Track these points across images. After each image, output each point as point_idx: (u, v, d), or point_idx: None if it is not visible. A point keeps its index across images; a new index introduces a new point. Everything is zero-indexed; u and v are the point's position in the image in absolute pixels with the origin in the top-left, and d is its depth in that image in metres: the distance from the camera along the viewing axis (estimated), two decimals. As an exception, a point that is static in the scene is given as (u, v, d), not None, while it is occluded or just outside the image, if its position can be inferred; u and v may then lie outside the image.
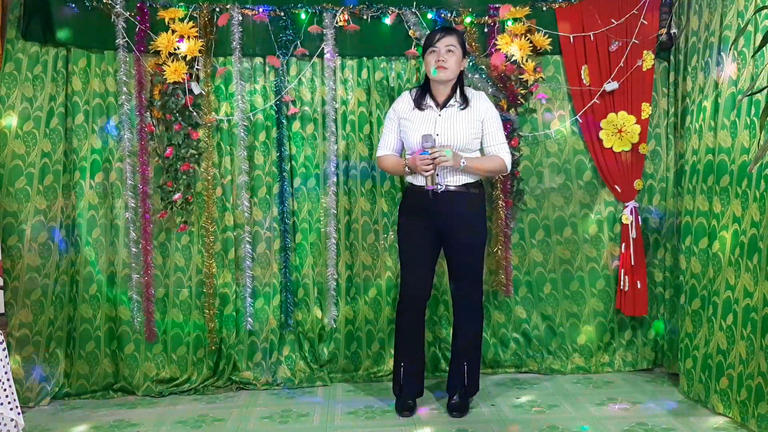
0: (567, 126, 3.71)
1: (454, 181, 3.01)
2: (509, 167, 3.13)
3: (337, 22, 3.56)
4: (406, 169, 3.03)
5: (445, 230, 3.06)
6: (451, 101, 3.06)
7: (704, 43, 3.23)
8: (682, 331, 3.34)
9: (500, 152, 3.08)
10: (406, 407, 3.15)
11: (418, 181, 3.04)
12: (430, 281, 3.19)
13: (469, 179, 3.04)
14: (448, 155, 2.90)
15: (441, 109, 3.05)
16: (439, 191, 2.97)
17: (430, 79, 3.07)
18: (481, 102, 3.09)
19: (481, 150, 3.13)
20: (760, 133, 2.69)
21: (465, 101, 3.05)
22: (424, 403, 3.27)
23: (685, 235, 3.34)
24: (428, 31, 3.56)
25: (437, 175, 2.95)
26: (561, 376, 3.68)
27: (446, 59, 2.97)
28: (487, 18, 3.63)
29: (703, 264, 3.19)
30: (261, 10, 3.52)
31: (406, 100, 3.15)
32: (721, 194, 3.06)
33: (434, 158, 2.90)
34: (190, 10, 3.47)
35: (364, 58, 3.66)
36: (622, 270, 3.64)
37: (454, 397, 3.16)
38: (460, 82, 3.09)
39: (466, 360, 3.15)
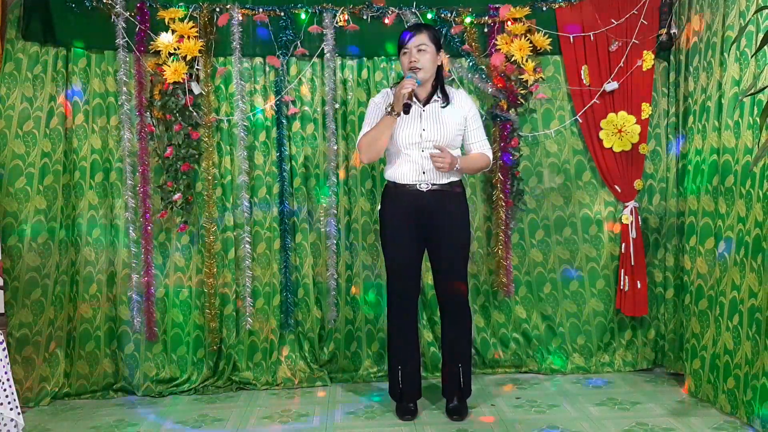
0: (567, 126, 3.71)
1: (440, 179, 3.01)
2: (491, 163, 3.16)
3: (337, 22, 3.56)
4: (391, 109, 2.89)
5: (431, 228, 3.03)
6: (434, 98, 3.03)
7: (706, 43, 3.23)
8: (688, 331, 3.33)
9: (484, 149, 3.10)
10: (407, 411, 3.12)
11: (401, 178, 3.02)
12: (419, 280, 3.21)
13: (454, 177, 3.05)
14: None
15: (424, 105, 3.02)
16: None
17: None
18: (463, 98, 3.09)
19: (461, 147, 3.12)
20: (761, 132, 2.69)
21: (446, 98, 3.04)
22: (424, 404, 3.26)
23: (689, 235, 3.33)
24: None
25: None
26: (561, 376, 3.68)
27: (418, 59, 2.93)
28: (487, 18, 3.63)
29: (709, 264, 3.19)
30: (261, 10, 3.52)
31: (387, 96, 3.06)
32: (726, 194, 3.06)
33: (438, 159, 2.90)
34: (190, 10, 3.47)
35: (364, 58, 3.66)
36: (622, 270, 3.64)
37: (453, 400, 3.13)
38: (440, 78, 3.06)
39: (460, 362, 3.12)
